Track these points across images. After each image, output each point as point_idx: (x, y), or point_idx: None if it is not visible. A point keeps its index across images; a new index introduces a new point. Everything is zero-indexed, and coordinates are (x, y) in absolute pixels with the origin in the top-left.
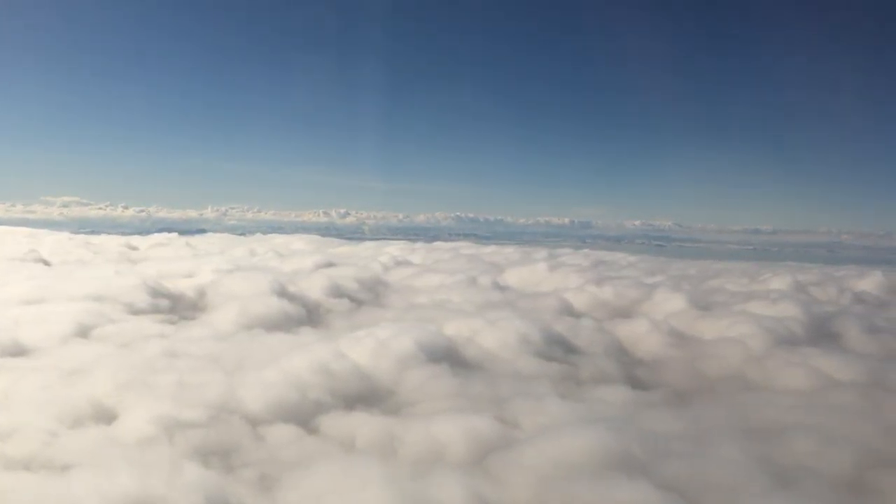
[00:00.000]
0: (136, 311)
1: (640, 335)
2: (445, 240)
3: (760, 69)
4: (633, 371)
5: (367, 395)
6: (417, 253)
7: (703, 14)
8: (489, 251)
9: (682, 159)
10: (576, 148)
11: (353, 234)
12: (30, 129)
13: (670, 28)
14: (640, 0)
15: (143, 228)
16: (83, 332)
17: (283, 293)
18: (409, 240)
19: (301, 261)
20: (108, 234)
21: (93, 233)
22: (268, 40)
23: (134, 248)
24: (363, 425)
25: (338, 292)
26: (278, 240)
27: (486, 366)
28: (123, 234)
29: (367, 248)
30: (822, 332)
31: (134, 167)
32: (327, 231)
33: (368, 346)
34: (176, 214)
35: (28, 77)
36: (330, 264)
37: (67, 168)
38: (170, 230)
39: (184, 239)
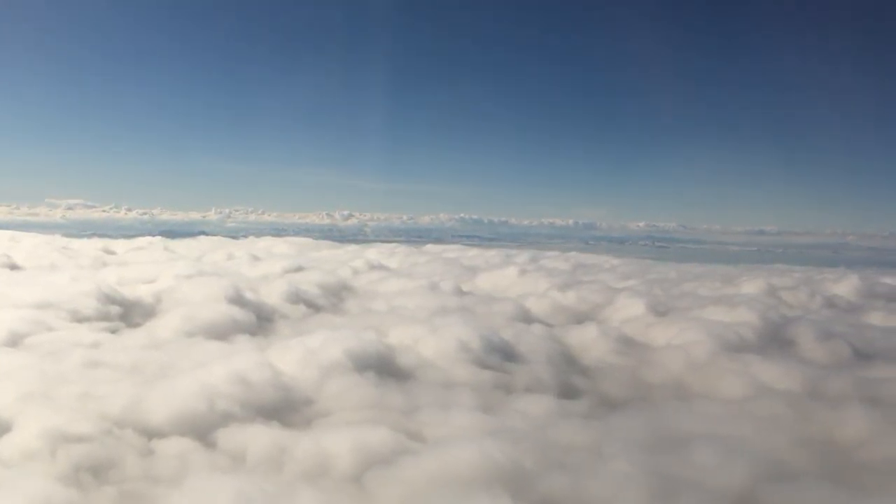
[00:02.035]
0: (80, 319)
1: (588, 342)
2: (443, 242)
3: (766, 70)
4: (569, 379)
5: (280, 406)
6: (397, 256)
7: (707, 14)
8: (472, 254)
9: (687, 160)
10: (580, 149)
11: (356, 236)
12: (38, 131)
13: (675, 29)
14: (644, 0)
15: (144, 231)
16: (14, 341)
17: (236, 299)
18: (405, 242)
19: (271, 265)
20: (110, 236)
21: (94, 235)
22: (273, 42)
23: (111, 253)
24: (259, 438)
25: (295, 298)
26: (262, 243)
27: (417, 374)
28: (124, 236)
29: (350, 251)
30: (773, 339)
31: (141, 169)
32: (329, 233)
33: (296, 355)
34: (179, 216)
35: (34, 79)
36: (300, 268)
37: (74, 170)
38: (171, 232)
39: (165, 242)
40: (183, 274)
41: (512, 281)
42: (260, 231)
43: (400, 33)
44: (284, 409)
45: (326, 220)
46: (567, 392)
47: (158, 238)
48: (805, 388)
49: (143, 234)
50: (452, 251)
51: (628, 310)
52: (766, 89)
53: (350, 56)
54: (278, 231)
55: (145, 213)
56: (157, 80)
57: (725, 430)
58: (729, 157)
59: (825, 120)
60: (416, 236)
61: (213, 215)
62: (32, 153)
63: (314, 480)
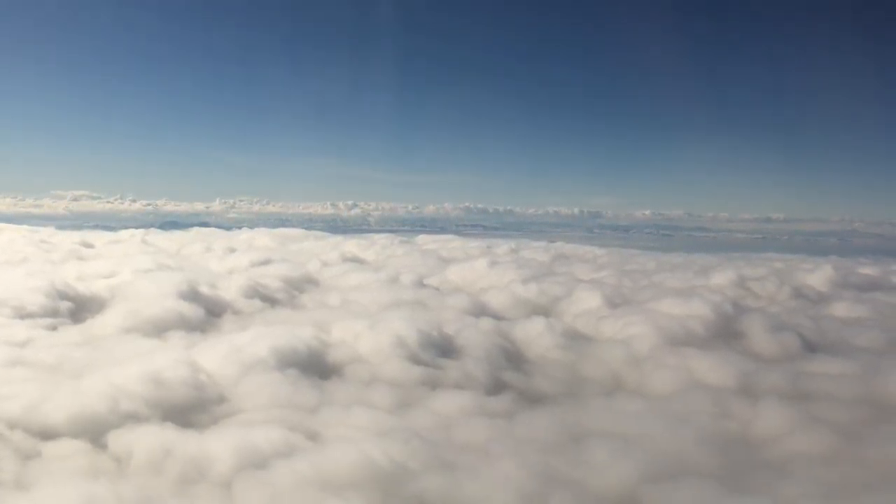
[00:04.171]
0: (23, 315)
1: (533, 336)
2: (447, 232)
3: (772, 58)
4: (501, 374)
5: (191, 406)
6: (375, 248)
7: (714, 5)
8: (454, 245)
9: (694, 149)
10: (587, 138)
11: (359, 226)
12: (45, 123)
13: (681, 19)
14: None
15: (146, 222)
16: None
17: (188, 295)
18: (408, 232)
19: (240, 258)
20: (111, 228)
21: (96, 227)
22: (279, 34)
23: (89, 246)
24: (148, 440)
25: (252, 293)
26: (245, 235)
27: (345, 371)
28: (125, 227)
29: (332, 242)
30: (723, 332)
31: (147, 161)
32: (333, 223)
33: (222, 353)
34: (183, 207)
35: (42, 73)
36: (267, 262)
37: (81, 162)
38: (173, 223)
39: (146, 235)
40: (142, 269)
41: (480, 273)
42: (262, 222)
43: (406, 23)
44: (194, 408)
45: (330, 211)
46: (495, 388)
47: (141, 231)
48: (737, 382)
49: (144, 226)
50: (440, 242)
51: (584, 303)
52: (774, 77)
53: (356, 47)
54: (281, 222)
55: (149, 205)
56: (163, 72)
57: (635, 428)
58: (736, 145)
59: (833, 107)
60: (419, 226)
61: (217, 206)
62: (39, 145)
63: (187, 483)
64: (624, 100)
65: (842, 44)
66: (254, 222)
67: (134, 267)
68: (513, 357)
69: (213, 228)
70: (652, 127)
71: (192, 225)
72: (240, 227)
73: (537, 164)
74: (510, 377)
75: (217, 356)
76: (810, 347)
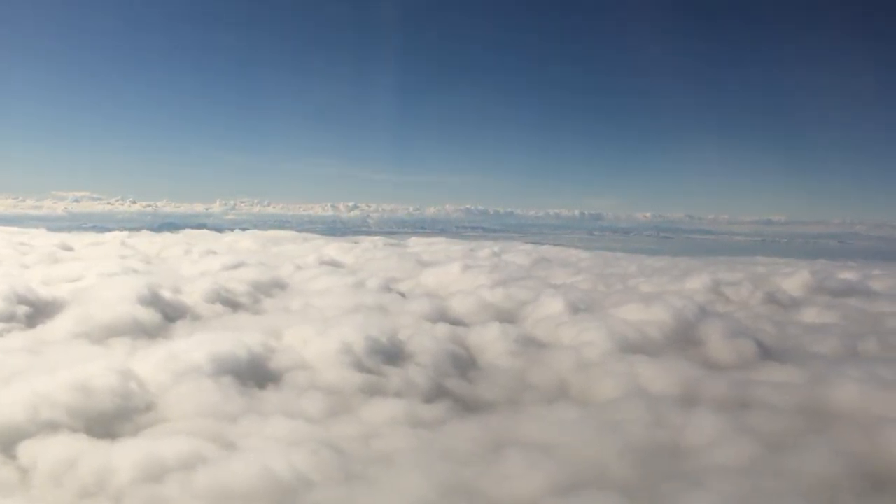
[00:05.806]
0: None
1: (486, 342)
2: (446, 233)
3: (775, 60)
4: (444, 382)
5: (115, 415)
6: (355, 251)
7: (714, 6)
8: (437, 248)
9: (696, 151)
10: (588, 140)
11: (359, 228)
12: (48, 124)
13: (682, 21)
14: None
15: (145, 223)
16: None
17: (148, 299)
18: (407, 234)
19: (213, 261)
20: (109, 229)
21: (93, 228)
22: (280, 36)
23: (68, 249)
24: (56, 451)
25: (215, 297)
26: (229, 237)
27: (284, 378)
28: (124, 229)
29: (315, 245)
30: (678, 339)
31: (149, 162)
32: (332, 224)
33: (158, 360)
34: (183, 209)
35: (45, 73)
36: (239, 265)
37: (83, 163)
38: (172, 225)
39: (126, 238)
40: (108, 272)
41: (453, 277)
42: (261, 223)
43: (408, 25)
44: (118, 417)
45: (331, 212)
46: (434, 395)
47: (125, 233)
48: (680, 390)
49: (142, 227)
50: (427, 244)
51: (547, 308)
52: (776, 78)
53: (358, 49)
54: (280, 223)
55: (149, 206)
56: (165, 73)
57: (563, 436)
58: (738, 147)
59: (834, 109)
60: (419, 227)
61: (217, 207)
62: (43, 146)
63: (85, 497)
64: (625, 102)
65: (843, 45)
66: (252, 223)
67: (100, 271)
68: (462, 364)
69: (204, 230)
70: (653, 129)
71: (189, 226)
72: (235, 229)
73: (539, 165)
74: (453, 384)
75: (153, 363)
76: (765, 354)
